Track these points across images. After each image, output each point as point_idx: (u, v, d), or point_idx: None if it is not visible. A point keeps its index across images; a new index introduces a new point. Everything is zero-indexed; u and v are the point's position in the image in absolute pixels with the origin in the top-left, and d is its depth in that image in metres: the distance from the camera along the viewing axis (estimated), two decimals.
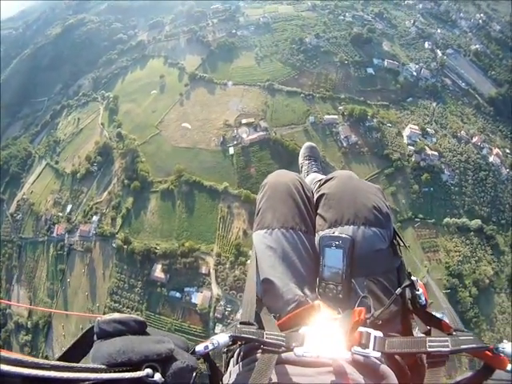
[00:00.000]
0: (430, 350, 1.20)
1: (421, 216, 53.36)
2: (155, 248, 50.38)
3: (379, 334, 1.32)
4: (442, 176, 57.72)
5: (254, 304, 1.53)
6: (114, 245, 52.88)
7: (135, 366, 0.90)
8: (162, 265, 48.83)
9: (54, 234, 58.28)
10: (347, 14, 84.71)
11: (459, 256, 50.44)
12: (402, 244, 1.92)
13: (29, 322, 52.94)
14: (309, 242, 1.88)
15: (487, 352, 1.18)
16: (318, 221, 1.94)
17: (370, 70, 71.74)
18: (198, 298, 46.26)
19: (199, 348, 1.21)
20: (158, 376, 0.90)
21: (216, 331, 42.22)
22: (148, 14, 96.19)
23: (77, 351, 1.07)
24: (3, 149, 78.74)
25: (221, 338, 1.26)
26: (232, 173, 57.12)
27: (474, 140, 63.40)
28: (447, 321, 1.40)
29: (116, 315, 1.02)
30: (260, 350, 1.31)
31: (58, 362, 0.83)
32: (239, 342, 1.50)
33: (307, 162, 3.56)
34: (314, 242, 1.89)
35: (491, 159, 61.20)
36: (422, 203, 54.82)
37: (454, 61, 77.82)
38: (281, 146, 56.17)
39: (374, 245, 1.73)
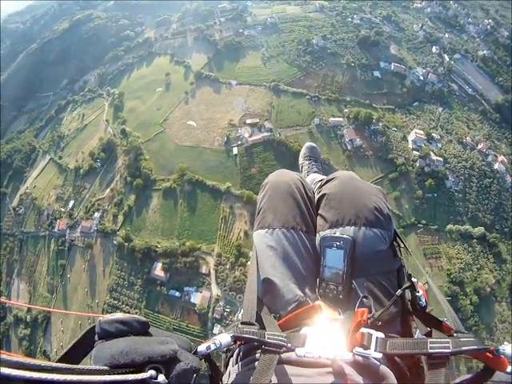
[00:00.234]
0: (431, 351, 1.20)
1: (424, 222, 53.05)
2: (156, 246, 50.38)
3: (381, 335, 1.31)
4: (446, 182, 57.40)
5: (255, 304, 1.50)
6: (114, 242, 52.88)
7: (138, 367, 0.88)
8: (163, 263, 48.73)
9: (56, 229, 58.37)
10: (355, 16, 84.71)
11: (461, 263, 50.09)
12: (402, 245, 1.91)
13: (28, 316, 53.05)
14: (309, 242, 1.87)
15: (488, 354, 1.18)
16: (319, 221, 1.94)
17: (377, 73, 71.57)
18: (197, 298, 46.14)
19: (201, 348, 1.20)
20: (161, 377, 0.89)
21: (214, 332, 42.21)
22: (155, 12, 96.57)
23: (77, 351, 1.05)
24: (7, 142, 79.37)
25: (223, 338, 1.25)
26: (235, 173, 57.03)
27: (480, 146, 63.03)
28: (448, 322, 1.39)
29: (118, 315, 1.01)
30: (260, 350, 1.30)
31: (59, 364, 0.82)
32: (239, 342, 1.45)
33: (308, 162, 3.55)
34: (315, 242, 1.88)
35: (496, 166, 60.81)
36: (426, 209, 54.51)
37: (462, 66, 77.50)
38: (285, 147, 56.08)
39: (375, 246, 1.73)
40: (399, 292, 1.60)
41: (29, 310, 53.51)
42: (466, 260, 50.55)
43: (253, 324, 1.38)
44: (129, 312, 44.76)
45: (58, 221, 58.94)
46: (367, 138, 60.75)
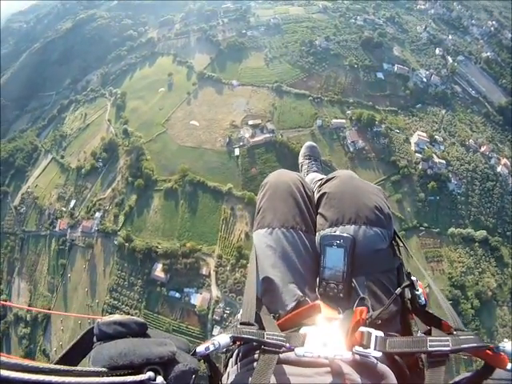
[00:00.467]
0: (430, 349, 1.20)
1: (426, 225, 52.80)
2: (156, 247, 50.31)
3: (380, 333, 1.32)
4: (448, 185, 57.12)
5: (254, 304, 1.51)
6: (115, 242, 52.90)
7: (137, 369, 0.88)
8: (163, 264, 48.70)
9: (57, 229, 58.44)
10: (358, 18, 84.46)
11: (463, 267, 49.85)
12: (401, 244, 1.91)
13: (28, 315, 53.01)
14: (309, 241, 1.87)
15: (488, 351, 1.19)
16: (319, 220, 1.94)
17: (380, 75, 71.37)
18: (197, 299, 46.09)
19: (200, 349, 1.20)
20: (160, 379, 0.89)
21: (214, 333, 42.11)
22: (159, 12, 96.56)
23: (76, 353, 1.05)
24: (10, 141, 79.56)
25: (222, 338, 1.25)
26: (237, 174, 56.92)
27: (483, 149, 62.81)
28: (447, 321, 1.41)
29: (116, 317, 1.00)
30: (259, 351, 1.30)
31: (58, 366, 0.82)
32: (238, 343, 1.46)
33: (307, 161, 3.54)
34: (315, 241, 1.88)
35: (499, 169, 60.54)
36: (428, 212, 54.26)
37: (465, 68, 77.27)
38: (287, 148, 55.82)
39: (375, 244, 1.73)
40: (399, 290, 1.60)
41: (28, 310, 53.57)
42: (467, 264, 50.27)
43: (252, 324, 1.39)
44: (128, 312, 44.84)
45: (59, 220, 58.99)
46: (370, 140, 60.49)
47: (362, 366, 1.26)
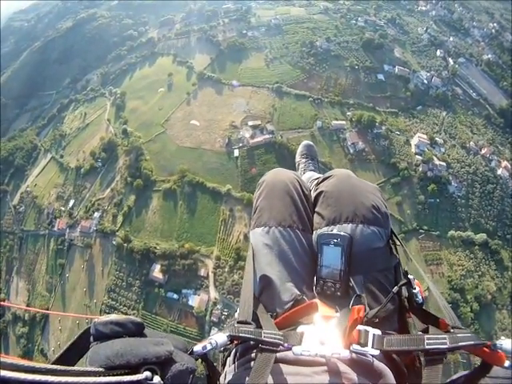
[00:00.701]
0: (428, 347, 1.20)
1: (425, 228, 52.56)
2: (155, 248, 50.23)
3: (377, 332, 1.32)
4: (448, 187, 56.91)
5: (252, 303, 1.51)
6: (114, 242, 52.76)
7: (134, 368, 0.88)
8: (161, 265, 48.63)
9: (56, 228, 58.35)
10: (359, 19, 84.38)
11: (462, 270, 49.65)
12: (398, 243, 1.92)
13: (26, 315, 52.99)
14: (306, 240, 1.87)
15: (485, 349, 1.19)
16: (316, 219, 1.94)
17: (381, 76, 71.19)
18: (195, 301, 46.02)
19: (197, 348, 1.19)
20: (157, 379, 0.89)
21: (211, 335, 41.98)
22: (159, 12, 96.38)
23: (73, 353, 1.04)
24: (9, 140, 79.48)
25: (219, 337, 1.25)
26: (236, 175, 56.75)
27: (483, 152, 62.61)
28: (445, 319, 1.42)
29: (113, 316, 1.00)
30: (256, 350, 1.32)
31: (54, 366, 0.82)
32: (236, 342, 1.47)
33: (304, 160, 3.54)
34: (312, 240, 1.88)
35: (499, 172, 60.30)
36: (428, 214, 54.02)
37: (466, 70, 77.07)
38: (286, 150, 55.48)
39: (373, 243, 1.74)
40: (396, 289, 1.62)
41: (26, 309, 53.51)
42: (467, 267, 50.08)
43: (249, 323, 1.39)
44: (126, 313, 44.66)
45: (58, 220, 58.92)
46: (370, 142, 60.27)
47: (360, 364, 1.27)
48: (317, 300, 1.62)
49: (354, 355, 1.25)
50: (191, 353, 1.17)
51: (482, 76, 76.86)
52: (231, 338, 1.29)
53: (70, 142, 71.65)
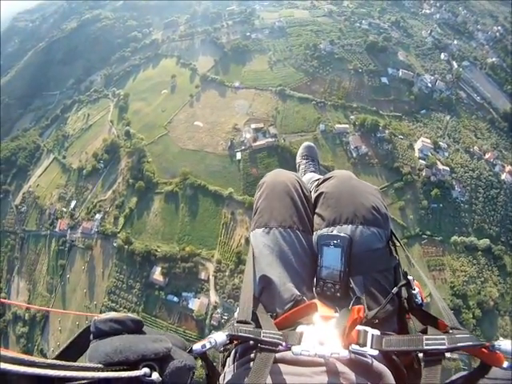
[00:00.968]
0: (426, 347, 1.20)
1: (428, 233, 52.23)
2: (156, 250, 50.27)
3: (376, 332, 1.33)
4: (452, 192, 56.55)
5: (251, 303, 1.51)
6: (114, 244, 52.84)
7: (133, 365, 0.89)
8: (162, 268, 48.62)
9: (57, 229, 58.50)
10: (363, 22, 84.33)
11: (465, 276, 49.26)
12: (398, 244, 1.90)
13: (26, 314, 53.23)
14: (306, 241, 1.88)
15: (484, 349, 1.19)
16: (316, 220, 1.93)
17: (384, 80, 70.97)
18: (195, 304, 45.95)
19: (196, 347, 1.21)
20: (155, 375, 0.89)
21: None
22: (163, 13, 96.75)
23: (73, 350, 1.06)
24: (12, 140, 79.89)
25: (218, 336, 1.26)
26: (238, 178, 56.66)
27: (487, 156, 62.23)
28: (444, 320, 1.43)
29: (112, 314, 1.00)
30: (255, 350, 1.31)
31: (54, 361, 0.83)
32: (236, 342, 1.47)
33: (305, 161, 3.53)
34: (312, 241, 1.88)
35: (503, 177, 59.88)
36: (431, 219, 53.69)
37: (470, 73, 76.67)
38: (289, 153, 55.12)
39: (372, 244, 1.74)
40: (395, 290, 1.62)
41: (27, 308, 53.66)
42: (470, 273, 49.69)
43: (249, 323, 1.40)
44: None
45: (60, 221, 59.07)
46: (373, 146, 60.03)
47: (359, 365, 1.27)
48: (316, 300, 1.62)
49: (353, 355, 1.25)
50: (190, 351, 1.18)
51: (486, 79, 76.46)
52: (230, 338, 1.29)
53: (73, 142, 71.95)
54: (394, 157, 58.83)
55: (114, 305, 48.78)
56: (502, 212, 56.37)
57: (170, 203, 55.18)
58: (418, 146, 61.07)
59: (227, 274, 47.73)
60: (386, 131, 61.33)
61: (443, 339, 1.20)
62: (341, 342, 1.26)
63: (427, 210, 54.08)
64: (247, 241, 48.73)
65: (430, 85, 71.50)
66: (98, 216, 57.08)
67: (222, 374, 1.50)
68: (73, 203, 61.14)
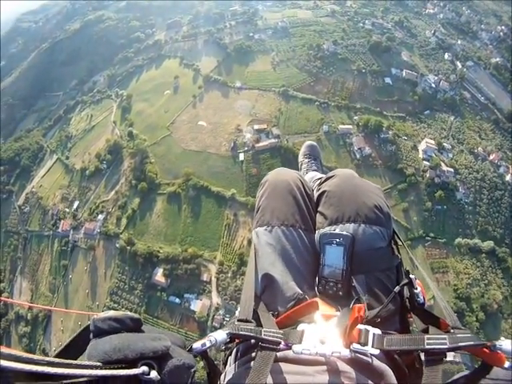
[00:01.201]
0: (428, 347, 1.21)
1: (432, 235, 51.94)
2: (158, 251, 50.25)
3: (378, 331, 1.33)
4: (456, 194, 56.24)
5: (252, 301, 1.52)
6: (117, 245, 52.83)
7: (131, 363, 0.88)
8: (164, 269, 48.62)
9: (60, 230, 58.60)
10: (367, 22, 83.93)
11: (468, 279, 48.99)
12: (400, 243, 1.90)
13: (29, 314, 53.40)
14: (308, 239, 1.88)
15: (485, 349, 1.19)
16: (319, 218, 1.93)
17: (388, 80, 70.63)
18: (197, 306, 45.92)
19: (196, 345, 1.20)
20: (153, 374, 0.89)
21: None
22: (166, 14, 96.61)
23: (73, 349, 1.05)
24: (16, 141, 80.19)
25: (218, 335, 1.25)
26: (241, 179, 56.52)
27: (491, 157, 61.84)
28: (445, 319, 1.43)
29: (111, 313, 1.00)
30: (257, 349, 1.31)
31: (53, 359, 0.82)
32: (237, 340, 1.49)
33: (307, 160, 3.53)
34: (314, 239, 1.88)
35: (508, 178, 59.50)
36: (434, 221, 53.41)
37: (474, 74, 76.23)
38: (292, 154, 54.64)
39: (375, 243, 1.74)
40: (397, 289, 1.62)
41: (30, 308, 53.88)
42: (473, 275, 49.41)
43: (249, 321, 1.40)
44: None
45: (62, 221, 59.15)
46: (377, 147, 59.70)
47: (361, 364, 1.27)
48: (318, 299, 1.60)
49: (354, 354, 1.25)
50: (190, 350, 1.18)
51: (491, 80, 76.03)
52: (231, 336, 1.29)
53: (76, 143, 72.09)
54: (398, 158, 58.50)
55: (115, 306, 48.70)
56: (507, 214, 56.01)
57: (173, 204, 55.13)
58: (421, 147, 60.78)
59: (229, 275, 47.66)
60: (390, 132, 61.01)
61: (444, 339, 1.21)
62: (342, 340, 1.26)
63: (431, 211, 53.83)
64: (250, 242, 48.31)
65: (433, 85, 71.18)
66: (100, 217, 57.19)
67: (223, 373, 1.48)
68: (75, 204, 61.20)
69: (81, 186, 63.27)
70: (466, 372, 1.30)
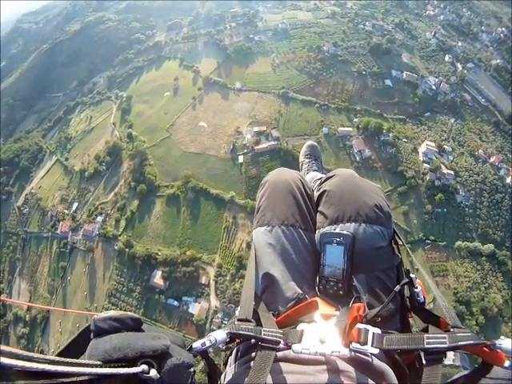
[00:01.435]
0: (427, 346, 1.21)
1: (432, 238, 51.78)
2: (156, 254, 50.16)
3: (377, 330, 1.33)
4: (456, 197, 56.04)
5: (253, 301, 1.51)
6: (115, 247, 52.85)
7: (131, 362, 0.89)
8: (162, 272, 48.59)
9: (58, 231, 58.59)
10: (367, 23, 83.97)
11: (469, 282, 48.78)
12: (400, 243, 1.91)
13: (27, 315, 53.37)
14: (309, 239, 1.88)
15: (485, 348, 1.19)
16: (319, 218, 1.94)
17: (388, 82, 70.45)
18: (195, 309, 45.84)
19: (196, 345, 1.21)
20: (153, 372, 0.90)
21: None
22: (167, 15, 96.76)
23: (73, 350, 1.05)
24: (16, 141, 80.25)
25: (218, 334, 1.26)
26: (240, 182, 56.37)
27: (492, 160, 61.69)
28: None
29: (112, 313, 1.00)
30: (257, 349, 1.31)
31: (53, 357, 0.83)
32: (237, 340, 1.49)
33: (308, 160, 3.51)
34: (314, 239, 1.88)
35: (508, 181, 59.34)
36: (434, 224, 53.24)
37: (474, 75, 76.14)
38: (291, 157, 54.75)
39: (375, 242, 1.74)
40: (398, 288, 1.61)
41: (28, 309, 53.96)
42: (473, 278, 49.21)
43: (249, 321, 1.40)
44: None
45: (61, 222, 59.15)
46: (376, 150, 59.54)
47: (361, 363, 1.28)
48: (318, 298, 1.60)
49: (353, 354, 1.25)
50: (190, 349, 1.18)
51: (491, 81, 75.93)
52: (231, 336, 1.29)
53: (76, 144, 72.08)
54: (398, 160, 58.34)
55: (114, 308, 48.28)
56: (507, 217, 55.74)
57: (172, 206, 55.07)
58: (422, 149, 60.61)
59: (228, 278, 47.54)
60: (390, 134, 60.84)
61: (444, 338, 1.21)
62: (341, 340, 1.26)
63: (431, 214, 53.66)
64: (248, 245, 48.48)
65: (434, 87, 71.12)
66: (99, 218, 57.15)
67: (223, 373, 1.48)
68: (75, 205, 61.19)
69: (80, 188, 63.22)
70: (466, 371, 1.29)
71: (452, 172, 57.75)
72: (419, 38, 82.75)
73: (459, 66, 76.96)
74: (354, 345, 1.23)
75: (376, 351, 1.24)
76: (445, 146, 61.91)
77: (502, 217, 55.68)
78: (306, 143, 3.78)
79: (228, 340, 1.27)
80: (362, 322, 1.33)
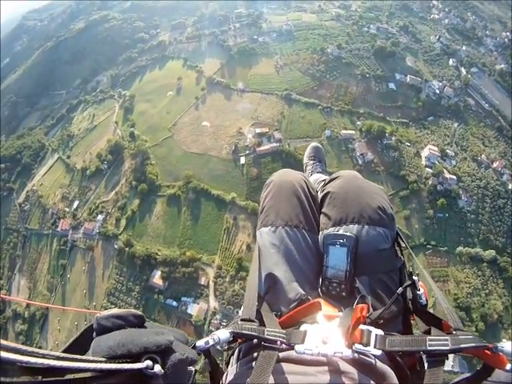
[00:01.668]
0: (430, 348, 1.21)
1: (433, 243, 51.42)
2: (156, 254, 50.03)
3: (380, 332, 1.33)
4: (458, 202, 55.69)
5: (256, 301, 1.53)
6: (115, 246, 52.82)
7: (135, 357, 0.88)
8: (162, 272, 48.43)
9: (59, 229, 58.58)
10: (371, 26, 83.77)
11: (469, 288, 48.42)
12: (403, 245, 1.91)
13: (26, 312, 53.36)
14: (312, 240, 1.89)
15: (486, 351, 1.19)
16: (323, 219, 1.95)
17: (392, 85, 70.30)
18: (194, 309, 45.69)
19: (200, 343, 1.22)
20: (157, 368, 0.89)
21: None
22: (171, 15, 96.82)
23: (75, 349, 1.00)
24: (18, 138, 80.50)
25: (222, 333, 1.27)
26: (241, 183, 56.21)
27: (495, 165, 61.32)
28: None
29: (114, 310, 1.00)
30: (259, 349, 1.32)
31: (56, 353, 0.82)
32: (240, 340, 1.50)
33: (312, 162, 3.53)
34: (318, 240, 1.90)
35: (511, 186, 58.93)
36: (436, 229, 52.87)
37: (478, 80, 75.85)
38: (293, 159, 54.50)
39: (378, 244, 1.75)
40: (400, 290, 1.60)
41: (27, 305, 54.00)
42: (474, 284, 48.83)
43: (252, 321, 1.41)
44: None
45: (62, 220, 59.15)
46: (379, 153, 59.26)
47: (363, 364, 1.28)
48: (321, 299, 1.60)
49: (356, 355, 1.25)
50: (194, 347, 1.19)
51: (495, 86, 75.68)
52: (234, 335, 1.30)
53: (78, 142, 72.13)
54: (401, 164, 58.07)
55: (112, 307, 48.18)
56: (509, 223, 55.34)
57: (172, 206, 54.98)
58: (424, 153, 60.27)
59: (227, 279, 47.30)
60: (393, 138, 60.59)
61: (446, 340, 1.20)
62: (344, 341, 1.27)
63: (433, 219, 53.31)
64: (249, 247, 48.62)
65: (437, 91, 70.83)
66: (100, 217, 57.13)
67: (225, 373, 1.49)
68: (75, 203, 61.17)
69: (81, 186, 63.25)
70: (468, 374, 1.29)
71: (454, 177, 57.37)
72: (423, 41, 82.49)
73: (463, 70, 76.79)
74: (357, 346, 1.24)
75: (378, 353, 1.24)
76: (447, 151, 61.59)
77: (504, 223, 55.28)
78: (311, 145, 3.78)
79: (231, 339, 1.28)
80: (365, 324, 1.33)
